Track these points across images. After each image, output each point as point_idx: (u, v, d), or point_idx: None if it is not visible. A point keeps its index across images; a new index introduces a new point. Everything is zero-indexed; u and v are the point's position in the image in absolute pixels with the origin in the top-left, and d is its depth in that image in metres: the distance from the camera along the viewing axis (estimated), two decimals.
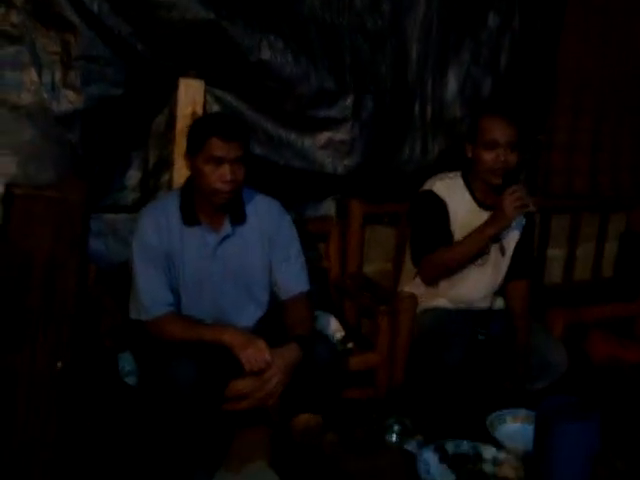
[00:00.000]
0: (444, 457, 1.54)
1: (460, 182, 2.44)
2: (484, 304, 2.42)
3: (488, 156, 2.31)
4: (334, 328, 2.52)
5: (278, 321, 2.24)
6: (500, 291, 2.50)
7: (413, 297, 2.45)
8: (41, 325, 1.67)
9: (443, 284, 2.45)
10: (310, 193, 2.85)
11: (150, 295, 2.07)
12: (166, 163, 2.62)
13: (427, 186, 2.47)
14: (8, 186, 1.86)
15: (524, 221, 2.43)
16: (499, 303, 2.49)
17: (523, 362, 2.23)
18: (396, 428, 1.65)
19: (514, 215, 2.25)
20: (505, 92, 3.10)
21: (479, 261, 2.39)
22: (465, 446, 1.59)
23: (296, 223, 2.36)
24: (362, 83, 2.80)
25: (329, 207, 2.90)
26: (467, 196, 2.42)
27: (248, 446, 2.49)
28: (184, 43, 2.47)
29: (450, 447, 1.58)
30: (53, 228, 1.90)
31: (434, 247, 2.35)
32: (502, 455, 1.56)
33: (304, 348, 2.05)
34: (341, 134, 2.80)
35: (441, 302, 2.46)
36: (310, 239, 2.67)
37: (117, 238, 2.50)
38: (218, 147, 2.01)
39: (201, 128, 2.07)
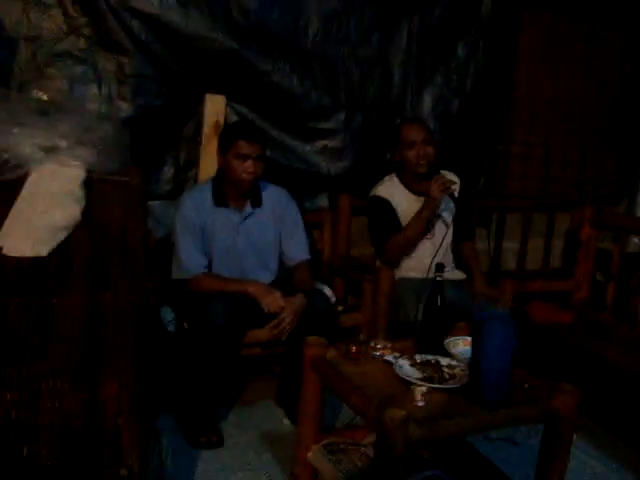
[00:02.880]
0: (414, 363, 2.17)
1: (396, 181, 3.10)
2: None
3: (411, 153, 2.97)
4: (328, 294, 3.12)
5: (285, 286, 2.85)
6: (455, 261, 3.16)
7: (391, 269, 3.07)
8: (120, 272, 2.26)
9: (407, 260, 3.08)
10: (308, 189, 3.48)
11: (190, 259, 2.69)
12: (193, 162, 3.23)
13: (372, 192, 3.12)
14: (88, 171, 2.47)
15: (454, 202, 3.04)
16: (455, 274, 3.13)
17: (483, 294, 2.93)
18: (379, 346, 2.28)
19: (440, 197, 2.88)
20: (470, 110, 3.75)
21: (428, 235, 3.04)
22: (429, 357, 2.21)
23: None
24: (353, 101, 3.43)
25: (323, 201, 3.55)
26: (403, 190, 3.07)
27: (259, 388, 3.12)
28: (211, 66, 3.09)
29: (418, 358, 2.20)
30: (121, 204, 2.53)
31: (388, 236, 2.99)
32: (454, 362, 2.18)
33: (308, 298, 2.68)
34: (334, 142, 3.44)
35: (411, 273, 3.08)
36: (307, 227, 3.26)
37: (153, 219, 3.08)
38: (244, 147, 2.65)
39: (231, 132, 2.71)
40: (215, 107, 3.20)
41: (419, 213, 2.94)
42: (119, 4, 2.88)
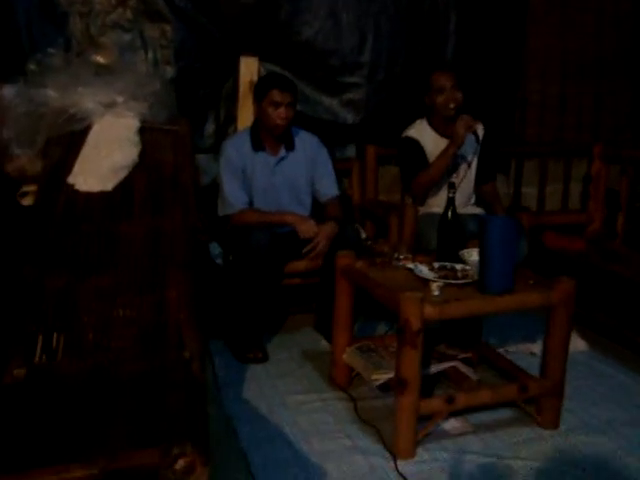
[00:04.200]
0: (432, 268, 2.48)
1: (425, 124, 3.36)
2: (462, 208, 3.31)
3: (440, 98, 3.23)
4: (359, 229, 3.45)
5: (318, 220, 3.17)
6: (476, 200, 3.45)
7: (414, 205, 3.37)
8: (173, 201, 2.62)
9: (432, 197, 3.38)
10: (337, 140, 3.79)
11: (233, 196, 3.04)
12: (232, 118, 3.58)
13: (404, 134, 3.38)
14: (142, 122, 2.83)
15: (476, 143, 3.30)
16: (474, 209, 3.42)
17: None
18: (402, 256, 2.60)
19: (464, 134, 3.13)
20: (489, 60, 4.00)
21: (454, 175, 3.30)
22: (445, 264, 2.52)
23: None
24: (377, 57, 3.72)
25: (351, 151, 3.86)
26: (432, 132, 3.33)
27: (299, 319, 3.46)
28: (246, 28, 3.43)
29: (436, 264, 2.51)
30: (172, 148, 2.89)
31: (417, 172, 3.28)
32: (468, 267, 2.49)
33: (339, 226, 3.01)
34: (359, 95, 3.74)
35: (435, 209, 3.37)
36: (337, 174, 3.54)
37: (199, 170, 3.43)
38: (277, 95, 2.98)
39: (265, 82, 3.06)
40: (249, 68, 3.54)
41: (445, 150, 3.20)
42: None
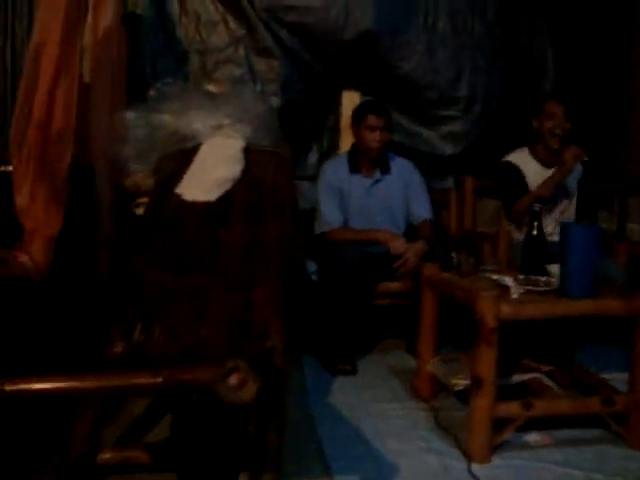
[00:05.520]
0: (515, 278, 2.50)
1: (527, 152, 3.37)
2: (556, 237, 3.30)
3: (550, 123, 3.24)
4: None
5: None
6: None
7: (508, 232, 3.39)
8: (270, 215, 2.80)
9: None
10: (434, 171, 3.90)
11: (330, 214, 3.22)
12: (334, 149, 3.79)
13: (504, 159, 3.41)
14: (247, 144, 3.07)
15: (580, 174, 3.31)
16: None
17: None
18: (488, 268, 2.66)
19: (573, 163, 3.14)
20: (589, 98, 4.00)
21: (548, 206, 3.25)
22: (530, 276, 2.54)
23: None
24: (474, 90, 3.86)
25: (449, 182, 3.95)
26: (533, 161, 3.33)
27: (391, 341, 3.53)
28: (346, 64, 3.66)
29: (521, 276, 2.53)
30: (273, 168, 3.10)
31: (517, 197, 3.27)
32: (552, 279, 2.48)
33: (429, 246, 3.11)
34: (457, 127, 3.87)
35: None
36: (434, 205, 3.62)
37: (300, 195, 3.63)
38: (373, 119, 3.18)
39: (362, 108, 3.28)
40: (351, 102, 3.74)
41: (551, 176, 3.20)
42: (270, 17, 3.54)
